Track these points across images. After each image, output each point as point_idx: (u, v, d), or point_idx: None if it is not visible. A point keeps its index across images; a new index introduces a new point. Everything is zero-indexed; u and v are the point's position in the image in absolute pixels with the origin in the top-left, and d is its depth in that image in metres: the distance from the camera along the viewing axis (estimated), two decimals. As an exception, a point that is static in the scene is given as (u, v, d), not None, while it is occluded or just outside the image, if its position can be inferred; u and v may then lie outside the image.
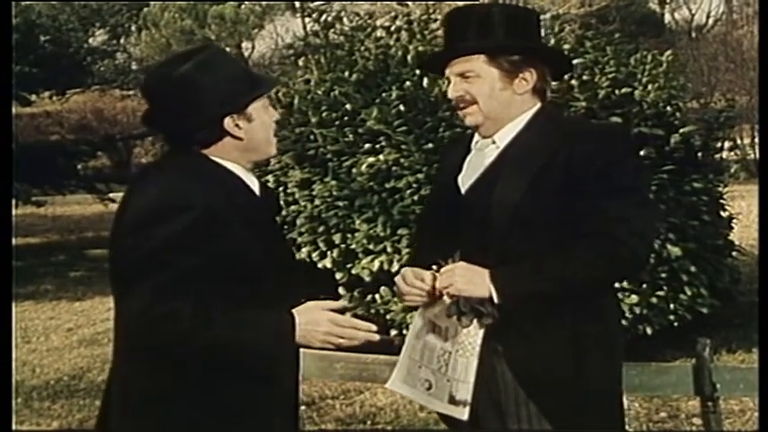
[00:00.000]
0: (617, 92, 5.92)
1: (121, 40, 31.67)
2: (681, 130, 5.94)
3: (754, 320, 6.05)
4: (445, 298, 2.23)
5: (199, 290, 2.12)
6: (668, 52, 6.56)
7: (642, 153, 5.70)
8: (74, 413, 5.36)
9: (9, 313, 3.02)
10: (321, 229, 5.89)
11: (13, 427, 2.70)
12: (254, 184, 2.33)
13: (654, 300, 5.57)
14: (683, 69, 10.95)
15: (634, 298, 5.42)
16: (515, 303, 2.17)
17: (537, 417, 2.25)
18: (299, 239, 5.89)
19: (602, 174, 2.19)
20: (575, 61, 5.88)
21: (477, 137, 2.42)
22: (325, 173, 6.00)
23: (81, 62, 16.34)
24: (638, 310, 5.46)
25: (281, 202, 6.06)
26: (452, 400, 2.25)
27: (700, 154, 6.23)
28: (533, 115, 2.34)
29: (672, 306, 5.65)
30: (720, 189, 6.41)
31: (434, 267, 2.27)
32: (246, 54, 32.46)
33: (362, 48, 6.54)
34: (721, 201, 6.41)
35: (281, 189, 6.15)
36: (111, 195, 12.89)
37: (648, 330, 5.53)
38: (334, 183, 5.92)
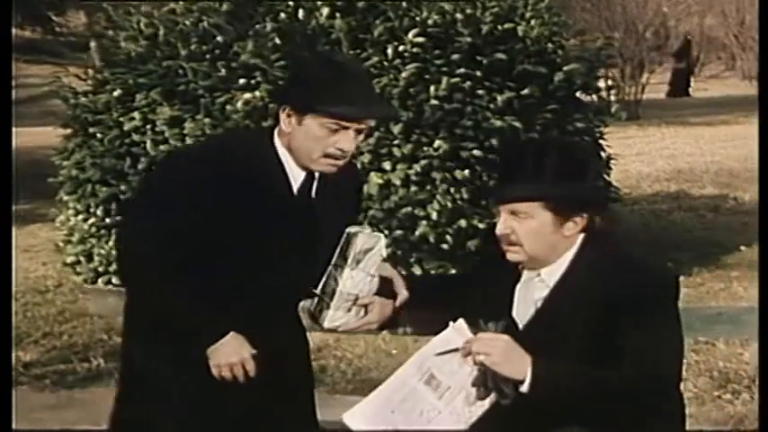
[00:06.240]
0: (499, 27, 5.83)
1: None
2: (564, 68, 5.90)
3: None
4: (468, 361, 2.15)
5: (184, 251, 2.17)
6: (549, -14, 6.47)
7: (527, 91, 5.66)
8: None
9: (9, 313, 2.99)
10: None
11: (14, 425, 2.72)
12: (297, 181, 2.30)
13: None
14: (564, 5, 10.96)
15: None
16: (543, 394, 2.17)
17: None
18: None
19: (650, 312, 2.24)
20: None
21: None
22: (197, 110, 5.75)
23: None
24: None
25: (149, 142, 5.76)
26: None
27: (580, 93, 6.22)
28: (578, 251, 2.36)
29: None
30: (601, 129, 6.42)
31: (488, 324, 2.21)
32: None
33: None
34: (601, 141, 6.43)
35: (149, 127, 5.83)
36: None
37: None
38: (207, 120, 5.68)
